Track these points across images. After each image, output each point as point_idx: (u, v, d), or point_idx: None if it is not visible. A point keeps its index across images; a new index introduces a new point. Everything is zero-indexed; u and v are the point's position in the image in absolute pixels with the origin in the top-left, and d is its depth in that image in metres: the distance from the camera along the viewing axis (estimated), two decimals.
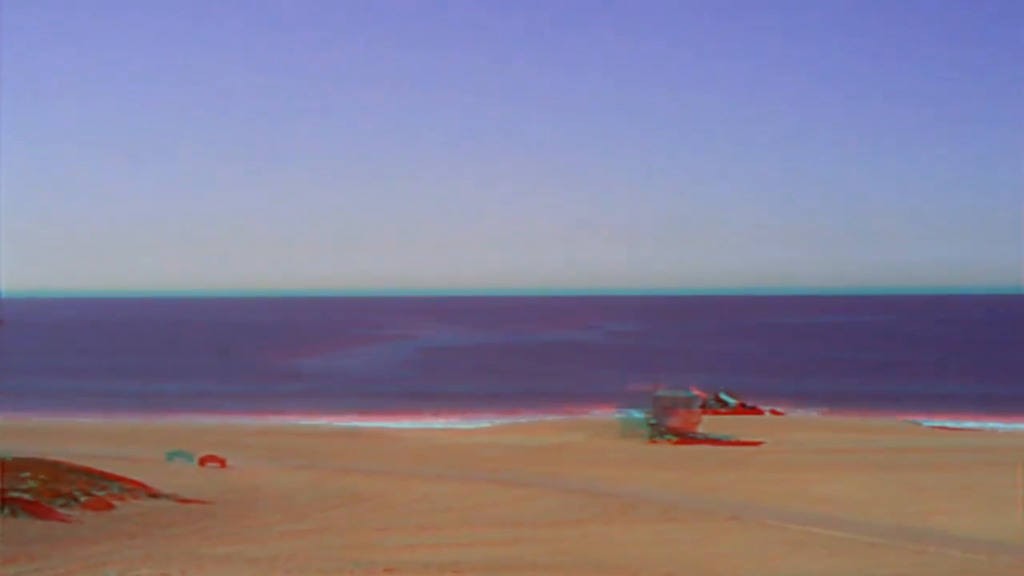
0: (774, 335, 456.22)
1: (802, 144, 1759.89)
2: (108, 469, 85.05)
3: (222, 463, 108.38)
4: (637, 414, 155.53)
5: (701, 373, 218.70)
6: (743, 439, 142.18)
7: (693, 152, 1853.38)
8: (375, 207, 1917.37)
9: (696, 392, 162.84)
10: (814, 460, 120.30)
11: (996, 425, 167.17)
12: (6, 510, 65.13)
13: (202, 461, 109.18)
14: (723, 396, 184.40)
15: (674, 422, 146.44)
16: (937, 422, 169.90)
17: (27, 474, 75.45)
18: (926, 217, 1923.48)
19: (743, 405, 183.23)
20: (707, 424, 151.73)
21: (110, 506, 72.30)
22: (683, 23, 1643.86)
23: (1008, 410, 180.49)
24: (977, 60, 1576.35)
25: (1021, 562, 59.55)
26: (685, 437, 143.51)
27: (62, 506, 69.50)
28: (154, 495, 79.23)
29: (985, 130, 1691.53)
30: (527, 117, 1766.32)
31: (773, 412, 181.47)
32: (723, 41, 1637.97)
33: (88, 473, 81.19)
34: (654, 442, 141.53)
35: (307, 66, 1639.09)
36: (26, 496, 69.15)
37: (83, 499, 72.18)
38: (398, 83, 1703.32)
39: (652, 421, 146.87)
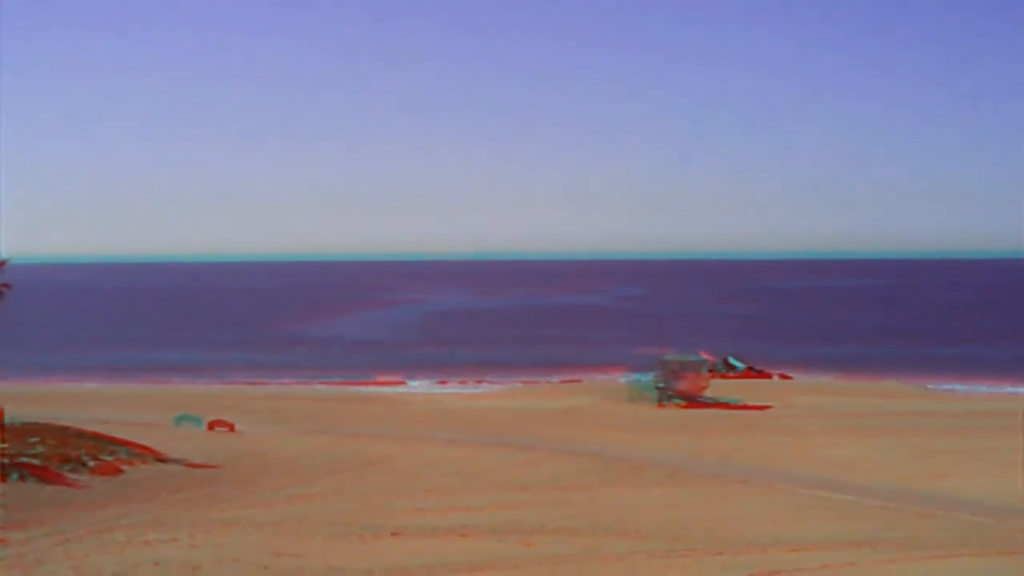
0: (778, 299, 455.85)
1: (798, 108, 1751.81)
2: (116, 434, 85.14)
3: (231, 427, 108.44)
4: (645, 378, 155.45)
5: (709, 337, 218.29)
6: (752, 403, 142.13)
7: (690, 115, 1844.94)
8: (381, 172, 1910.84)
9: (705, 356, 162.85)
10: (823, 424, 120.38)
11: (1005, 389, 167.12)
12: (15, 475, 65.24)
13: (210, 425, 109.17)
14: (732, 360, 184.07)
15: (682, 386, 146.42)
16: (947, 386, 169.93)
17: (35, 439, 75.56)
18: (926, 181, 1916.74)
19: (752, 369, 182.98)
20: (715, 388, 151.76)
21: (119, 471, 72.37)
22: None
23: (1016, 373, 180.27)
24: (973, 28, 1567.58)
25: None
26: (693, 401, 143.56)
27: (71, 471, 69.55)
28: (162, 460, 79.29)
29: (979, 100, 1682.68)
30: (526, 82, 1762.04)
31: (782, 376, 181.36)
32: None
33: (96, 438, 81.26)
34: (662, 406, 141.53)
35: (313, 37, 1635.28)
36: (35, 461, 69.27)
37: (91, 464, 72.21)
38: (406, 58, 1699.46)
39: (660, 385, 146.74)
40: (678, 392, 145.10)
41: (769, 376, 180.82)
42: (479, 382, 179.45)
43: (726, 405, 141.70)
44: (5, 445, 72.10)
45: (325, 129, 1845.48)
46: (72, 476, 68.80)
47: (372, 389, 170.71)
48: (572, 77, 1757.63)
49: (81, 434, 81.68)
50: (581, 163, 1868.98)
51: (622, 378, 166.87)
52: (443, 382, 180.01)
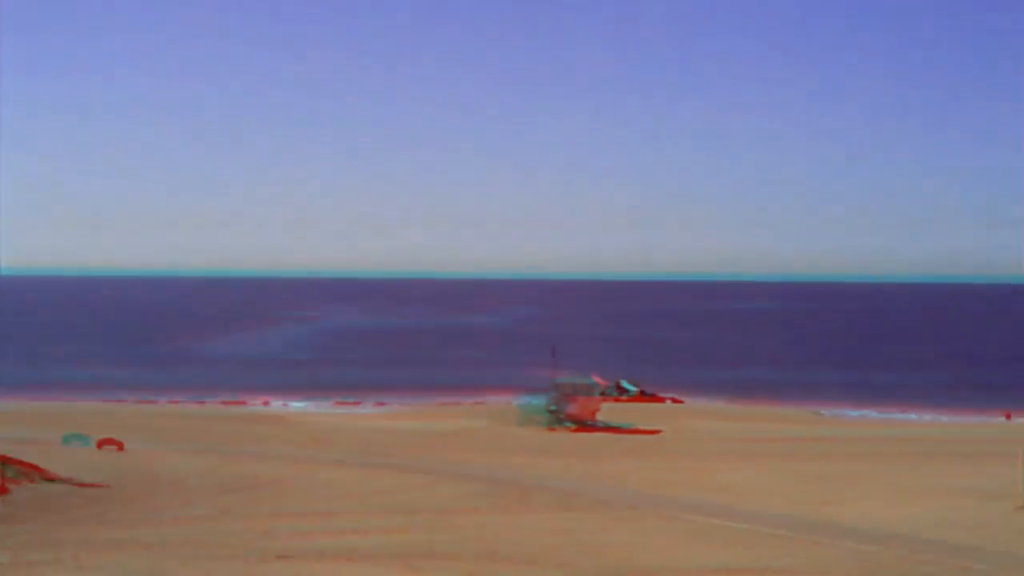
0: (671, 322, 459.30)
1: (693, 128, 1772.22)
2: (3, 452, 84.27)
3: (120, 446, 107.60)
4: (537, 401, 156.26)
5: (602, 360, 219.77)
6: (642, 427, 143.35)
7: (582, 137, 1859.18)
8: (275, 188, 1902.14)
9: (596, 379, 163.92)
10: (713, 449, 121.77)
11: (895, 415, 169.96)
12: None
13: (99, 444, 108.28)
14: (624, 383, 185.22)
15: (573, 409, 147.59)
16: (838, 411, 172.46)
17: None
18: (828, 201, 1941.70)
19: (643, 393, 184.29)
20: (607, 412, 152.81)
21: (5, 490, 71.79)
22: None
23: (906, 400, 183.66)
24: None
25: (915, 553, 60.86)
26: (584, 425, 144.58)
27: None
28: (50, 479, 78.76)
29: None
30: (414, 106, 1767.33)
31: (673, 400, 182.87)
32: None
33: None
34: (553, 429, 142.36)
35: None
36: None
37: None
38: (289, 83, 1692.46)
39: (552, 408, 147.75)
40: (569, 416, 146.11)
41: (661, 400, 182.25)
42: (370, 402, 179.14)
43: (617, 429, 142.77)
44: None
45: (222, 146, 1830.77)
46: None
47: (262, 408, 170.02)
48: (459, 104, 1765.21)
49: None
50: (473, 184, 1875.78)
51: (514, 401, 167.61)
52: (334, 401, 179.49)
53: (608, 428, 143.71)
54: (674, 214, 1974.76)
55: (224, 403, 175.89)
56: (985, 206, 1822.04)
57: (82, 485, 78.41)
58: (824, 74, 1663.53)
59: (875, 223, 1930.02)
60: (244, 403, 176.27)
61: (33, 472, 79.39)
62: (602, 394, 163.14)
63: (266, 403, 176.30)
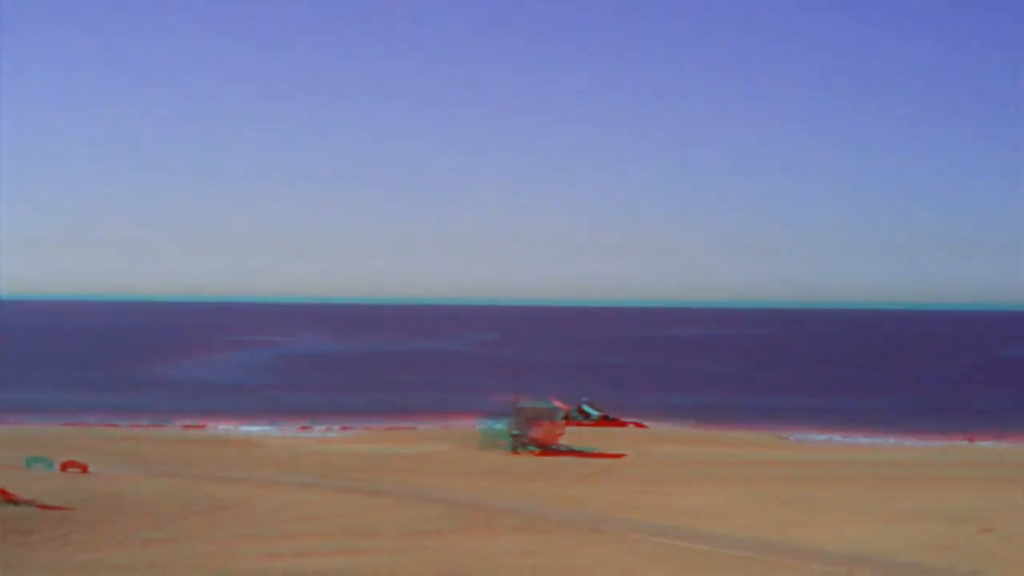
0: (634, 347, 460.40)
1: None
2: None
3: (84, 469, 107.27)
4: (499, 425, 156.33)
5: (563, 384, 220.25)
6: (605, 451, 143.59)
7: (539, 164, 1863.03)
8: (243, 211, 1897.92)
9: (558, 404, 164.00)
10: (677, 473, 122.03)
11: (859, 439, 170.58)
12: None
13: (63, 467, 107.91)
14: (586, 408, 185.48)
15: (536, 433, 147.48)
16: (803, 436, 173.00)
17: None
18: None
19: (606, 417, 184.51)
20: (570, 436, 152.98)
21: None
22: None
23: (870, 424, 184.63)
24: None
25: (877, 575, 61.42)
26: (547, 449, 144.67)
27: None
28: (13, 501, 78.45)
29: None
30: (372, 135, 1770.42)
31: (636, 425, 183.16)
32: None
33: None
34: (516, 453, 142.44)
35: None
36: None
37: None
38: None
39: (515, 432, 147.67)
40: (532, 439, 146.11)
41: (624, 424, 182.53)
42: (333, 426, 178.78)
43: (580, 453, 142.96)
44: None
45: (180, 169, 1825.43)
46: None
47: (226, 431, 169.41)
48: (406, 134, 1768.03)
49: None
50: (432, 212, 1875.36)
51: (476, 424, 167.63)
52: (297, 425, 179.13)
53: (571, 452, 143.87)
54: (636, 241, 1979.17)
55: (185, 427, 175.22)
56: (953, 234, 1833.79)
57: (46, 508, 78.18)
58: (781, 98, 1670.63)
59: (842, 250, 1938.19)
60: (203, 427, 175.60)
61: None
62: (565, 418, 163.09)
63: (228, 426, 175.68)
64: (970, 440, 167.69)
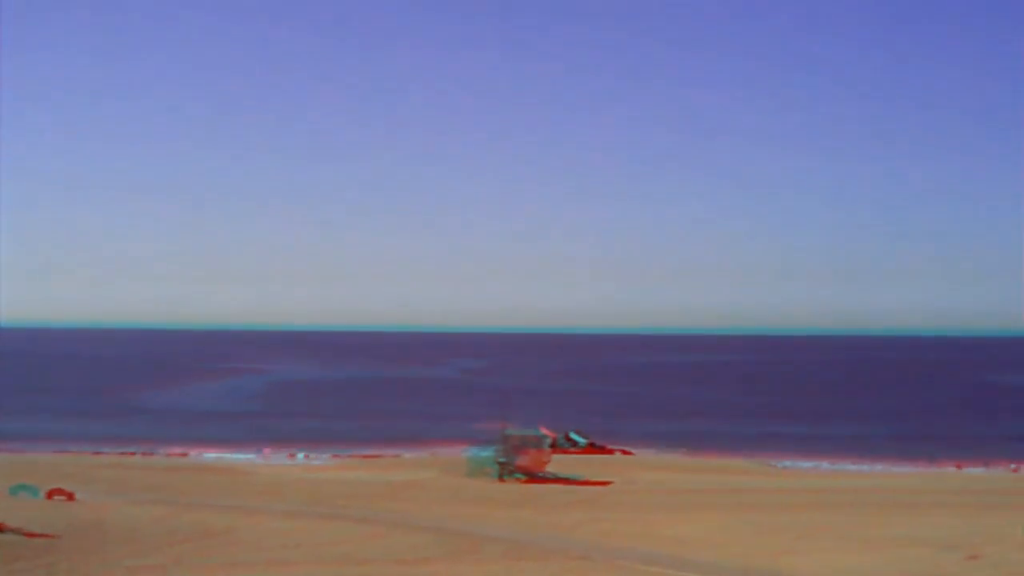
0: (635, 375, 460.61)
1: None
2: None
3: (70, 496, 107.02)
4: (486, 452, 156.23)
5: (550, 412, 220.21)
6: (592, 479, 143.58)
7: (521, 189, 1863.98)
8: (228, 237, 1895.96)
9: (545, 431, 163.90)
10: (664, 500, 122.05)
11: (847, 466, 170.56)
12: None
13: (49, 494, 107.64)
14: (573, 435, 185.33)
15: (523, 461, 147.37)
16: (791, 463, 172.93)
17: None
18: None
19: (593, 445, 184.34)
20: (557, 464, 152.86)
21: None
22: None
23: (858, 451, 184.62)
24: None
25: None
26: (534, 476, 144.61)
27: None
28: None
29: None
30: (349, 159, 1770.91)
31: (623, 452, 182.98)
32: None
33: None
34: (503, 481, 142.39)
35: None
36: None
37: None
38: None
39: (501, 459, 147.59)
40: (519, 467, 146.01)
41: (611, 452, 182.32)
42: (321, 453, 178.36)
43: (567, 481, 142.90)
44: None
45: (169, 194, 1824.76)
46: None
47: (213, 459, 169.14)
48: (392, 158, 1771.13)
49: None
50: (417, 236, 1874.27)
51: (464, 452, 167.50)
52: (285, 453, 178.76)
53: (558, 479, 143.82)
54: (623, 267, 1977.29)
55: (170, 455, 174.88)
56: (941, 260, 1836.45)
57: (32, 535, 78.01)
58: (776, 120, 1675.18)
59: (830, 276, 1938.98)
60: (194, 454, 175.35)
61: None
62: (552, 446, 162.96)
63: (215, 454, 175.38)
64: (958, 467, 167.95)
